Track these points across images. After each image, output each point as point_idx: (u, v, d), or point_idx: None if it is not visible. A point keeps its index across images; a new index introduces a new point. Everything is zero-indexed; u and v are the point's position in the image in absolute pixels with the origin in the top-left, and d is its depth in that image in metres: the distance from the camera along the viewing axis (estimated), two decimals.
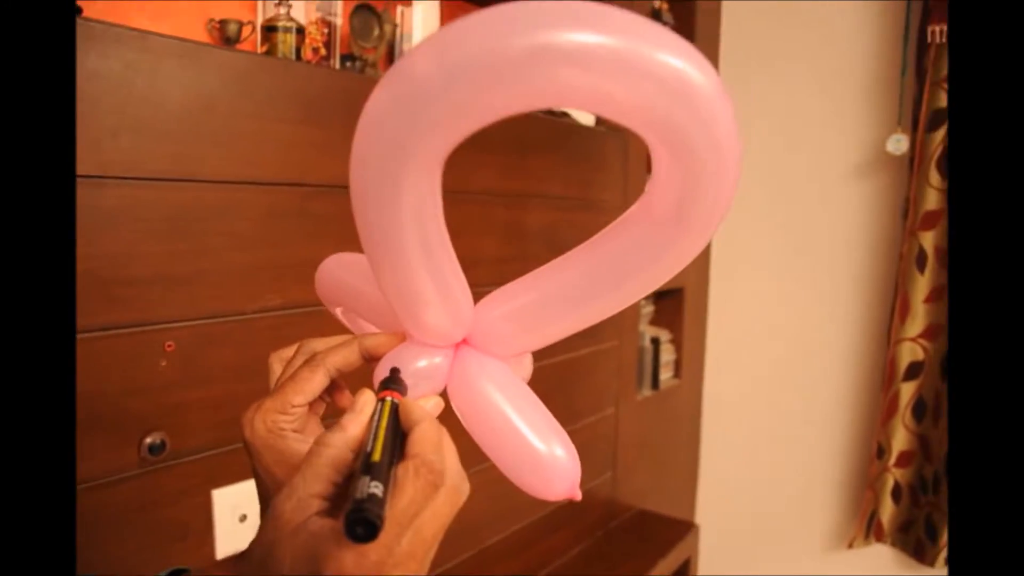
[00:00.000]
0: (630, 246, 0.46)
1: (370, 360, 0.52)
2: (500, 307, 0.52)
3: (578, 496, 0.52)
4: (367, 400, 0.46)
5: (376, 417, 0.43)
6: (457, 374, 0.52)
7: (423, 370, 0.51)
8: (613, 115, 0.37)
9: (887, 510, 2.04)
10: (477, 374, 0.52)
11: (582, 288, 0.49)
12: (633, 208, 0.46)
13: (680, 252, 0.45)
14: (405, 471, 0.40)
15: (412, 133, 0.37)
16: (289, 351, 0.54)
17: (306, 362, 0.50)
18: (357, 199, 0.42)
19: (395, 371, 0.49)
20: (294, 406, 0.48)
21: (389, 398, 0.45)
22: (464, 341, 0.53)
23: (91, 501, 0.91)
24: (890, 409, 1.99)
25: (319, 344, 0.53)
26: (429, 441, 0.42)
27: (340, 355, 0.50)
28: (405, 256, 0.44)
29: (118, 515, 0.94)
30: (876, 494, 2.04)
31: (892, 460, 2.00)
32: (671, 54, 0.35)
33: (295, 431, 0.49)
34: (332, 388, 0.53)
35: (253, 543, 0.41)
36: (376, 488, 0.36)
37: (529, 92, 0.35)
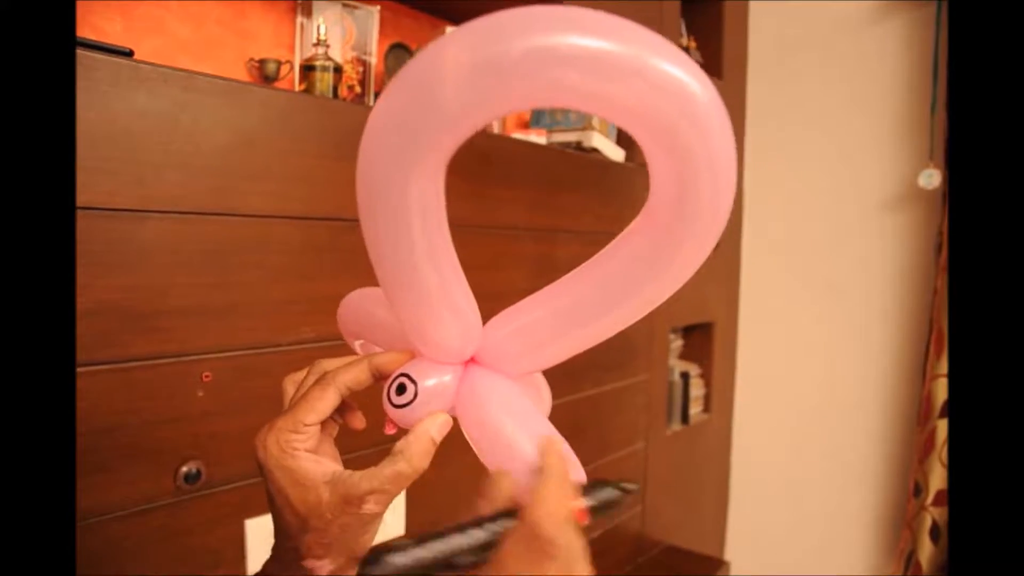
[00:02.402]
0: (634, 257, 0.46)
1: (380, 379, 0.52)
2: (509, 324, 0.52)
3: (584, 520, 0.51)
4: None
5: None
6: (464, 392, 0.52)
7: (432, 388, 0.50)
8: (609, 115, 0.38)
9: (925, 550, 1.99)
10: (485, 392, 0.51)
11: (590, 302, 0.49)
12: (636, 221, 0.47)
13: (684, 259, 0.45)
14: (511, 536, 0.40)
15: (421, 130, 0.38)
16: (301, 373, 0.54)
17: (317, 381, 0.50)
18: (364, 203, 0.43)
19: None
20: (306, 425, 0.48)
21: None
22: (473, 359, 0.53)
23: (126, 528, 0.92)
24: (927, 446, 1.95)
25: (330, 364, 0.53)
26: (546, 506, 0.41)
27: (350, 374, 0.50)
28: (412, 260, 0.45)
29: (152, 542, 0.95)
30: (914, 533, 1.99)
31: (930, 499, 1.96)
32: (664, 59, 0.36)
33: (308, 451, 0.48)
34: (344, 409, 0.53)
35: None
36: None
37: (530, 91, 0.36)
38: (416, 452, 0.47)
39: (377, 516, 0.48)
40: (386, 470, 0.47)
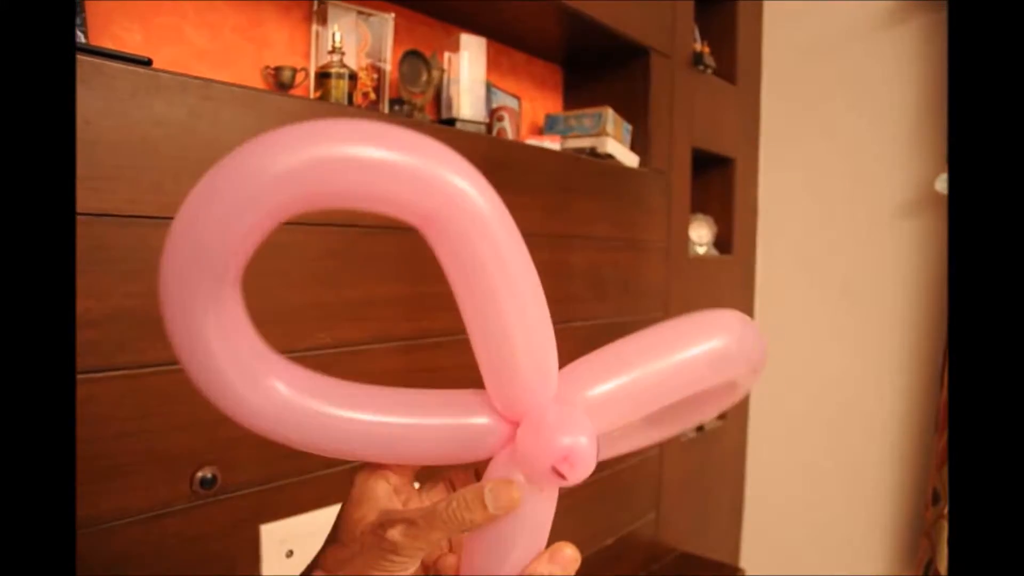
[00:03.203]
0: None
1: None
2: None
3: None
4: None
5: None
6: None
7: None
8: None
9: (944, 559, 1.97)
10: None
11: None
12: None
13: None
14: None
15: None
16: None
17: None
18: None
19: None
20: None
21: None
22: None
23: (141, 533, 0.92)
24: (945, 454, 1.93)
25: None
26: None
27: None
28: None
29: (167, 548, 0.95)
30: (932, 542, 1.97)
31: (948, 507, 1.94)
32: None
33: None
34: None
35: None
36: None
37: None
38: (461, 503, 0.44)
39: (398, 552, 0.44)
40: (425, 509, 0.44)
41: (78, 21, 1.00)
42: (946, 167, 1.96)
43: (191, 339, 0.41)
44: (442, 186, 0.41)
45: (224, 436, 1.00)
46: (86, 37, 1.03)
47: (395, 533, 0.43)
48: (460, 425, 0.47)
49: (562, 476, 0.44)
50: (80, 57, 0.82)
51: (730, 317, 0.56)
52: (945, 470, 1.92)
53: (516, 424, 0.47)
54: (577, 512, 1.64)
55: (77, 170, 0.82)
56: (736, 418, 2.40)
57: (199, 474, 0.97)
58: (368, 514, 0.45)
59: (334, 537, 0.47)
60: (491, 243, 0.43)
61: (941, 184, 1.95)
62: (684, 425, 0.63)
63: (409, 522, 0.43)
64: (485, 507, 0.44)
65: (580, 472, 0.44)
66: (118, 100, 0.85)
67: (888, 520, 2.19)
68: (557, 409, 0.46)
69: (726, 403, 0.62)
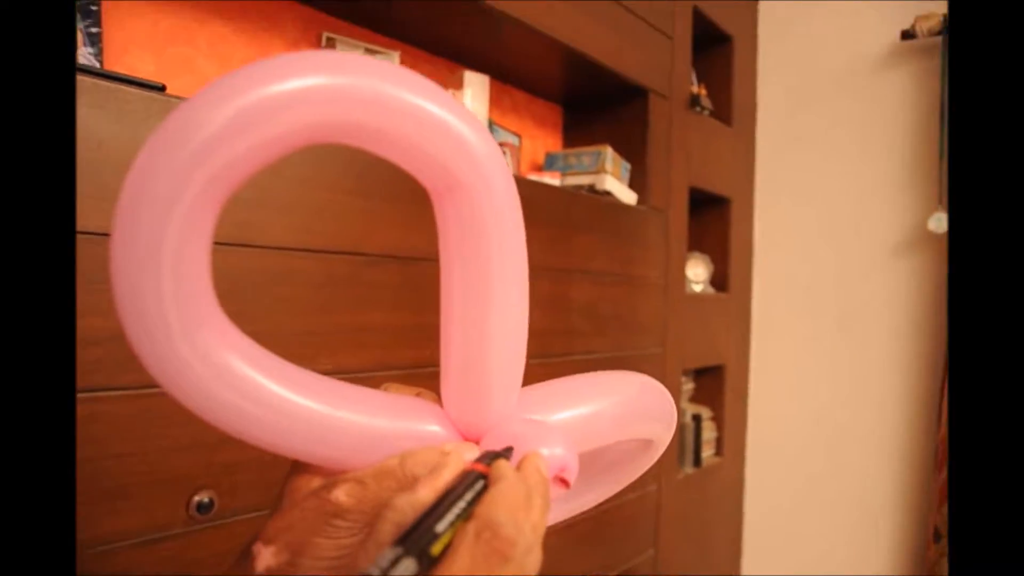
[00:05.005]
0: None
1: None
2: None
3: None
4: (450, 462, 0.40)
5: (459, 491, 0.37)
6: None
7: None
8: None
9: None
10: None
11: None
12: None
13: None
14: (464, 534, 0.35)
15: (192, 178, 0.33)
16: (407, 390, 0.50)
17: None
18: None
19: (509, 449, 0.43)
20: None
21: (481, 477, 0.39)
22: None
23: (137, 556, 0.92)
24: (945, 492, 1.92)
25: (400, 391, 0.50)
26: (504, 502, 0.36)
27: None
28: None
29: (162, 572, 0.94)
30: None
31: (948, 542, 1.92)
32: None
33: None
34: None
35: None
36: (406, 569, 0.31)
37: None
38: (415, 455, 0.41)
39: (343, 516, 0.39)
40: (375, 467, 0.41)
41: (94, 51, 1.03)
42: (938, 207, 2.00)
43: (142, 265, 0.33)
44: (480, 157, 0.38)
45: (223, 460, 0.99)
46: (101, 66, 1.05)
47: (340, 494, 0.39)
48: (411, 432, 0.44)
49: (567, 484, 0.44)
50: (95, 81, 0.84)
51: (635, 378, 0.56)
52: (946, 508, 1.91)
53: (468, 439, 0.45)
54: (576, 548, 1.63)
55: (87, 190, 0.84)
56: (733, 453, 2.39)
57: (196, 498, 0.96)
58: (313, 480, 0.42)
59: (276, 507, 0.43)
60: (506, 228, 0.42)
61: (934, 223, 1.98)
62: (600, 494, 0.60)
63: (356, 481, 0.40)
64: (443, 456, 0.41)
65: (575, 478, 0.44)
66: (131, 124, 0.87)
67: (888, 557, 2.17)
68: (526, 422, 0.45)
69: (643, 465, 0.60)
